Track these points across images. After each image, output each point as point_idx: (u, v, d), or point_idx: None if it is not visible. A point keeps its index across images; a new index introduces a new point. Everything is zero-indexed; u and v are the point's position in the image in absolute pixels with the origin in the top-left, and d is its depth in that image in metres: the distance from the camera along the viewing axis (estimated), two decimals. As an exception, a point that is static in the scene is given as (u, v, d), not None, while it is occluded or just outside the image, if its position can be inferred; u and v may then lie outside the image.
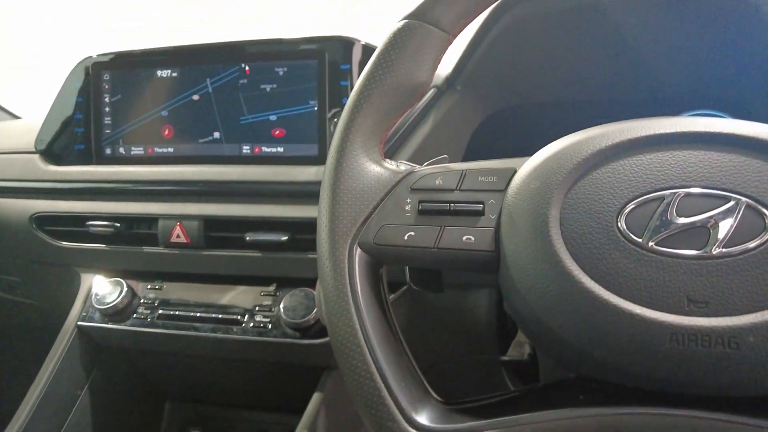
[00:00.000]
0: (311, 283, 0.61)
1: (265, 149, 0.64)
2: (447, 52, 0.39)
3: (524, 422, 0.29)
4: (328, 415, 0.60)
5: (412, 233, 0.34)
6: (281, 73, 0.63)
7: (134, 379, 0.73)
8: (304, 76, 0.62)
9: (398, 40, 0.37)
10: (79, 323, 0.65)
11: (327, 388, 0.61)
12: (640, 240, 0.27)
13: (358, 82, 0.38)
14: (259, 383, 0.72)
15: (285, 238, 0.61)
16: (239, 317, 0.61)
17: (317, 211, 0.37)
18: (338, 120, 0.39)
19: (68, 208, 0.69)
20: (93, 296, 0.65)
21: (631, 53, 0.56)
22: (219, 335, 0.61)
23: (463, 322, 0.64)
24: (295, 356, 0.61)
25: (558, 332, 0.28)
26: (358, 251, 0.35)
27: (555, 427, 0.28)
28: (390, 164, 0.37)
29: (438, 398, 0.34)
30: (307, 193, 0.61)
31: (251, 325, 0.61)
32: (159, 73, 0.67)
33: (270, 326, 0.60)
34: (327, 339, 0.59)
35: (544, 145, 0.33)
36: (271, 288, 0.63)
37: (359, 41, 0.62)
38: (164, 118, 0.67)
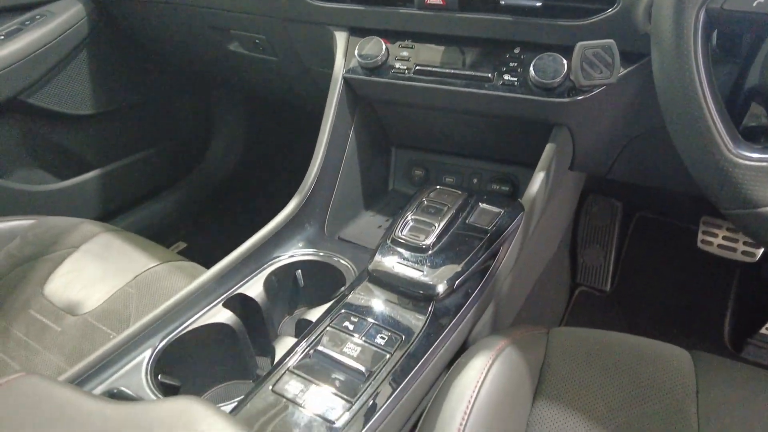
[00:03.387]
0: (557, 49, 0.68)
1: None
2: None
3: None
4: (558, 161, 0.73)
5: (762, 0, 0.39)
6: None
7: (377, 128, 0.89)
8: None
9: None
10: (345, 75, 0.78)
11: (558, 140, 0.73)
12: None
13: None
14: (482, 136, 0.85)
15: (539, 4, 0.65)
16: (489, 75, 0.71)
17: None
18: None
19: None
20: (356, 52, 0.77)
21: None
22: (471, 90, 0.72)
23: None
24: (536, 113, 0.71)
25: None
26: (703, 16, 0.40)
27: None
28: None
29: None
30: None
31: (500, 83, 0.71)
32: None
33: (517, 84, 0.70)
34: (570, 99, 0.68)
35: None
36: (517, 51, 0.71)
37: None
38: None
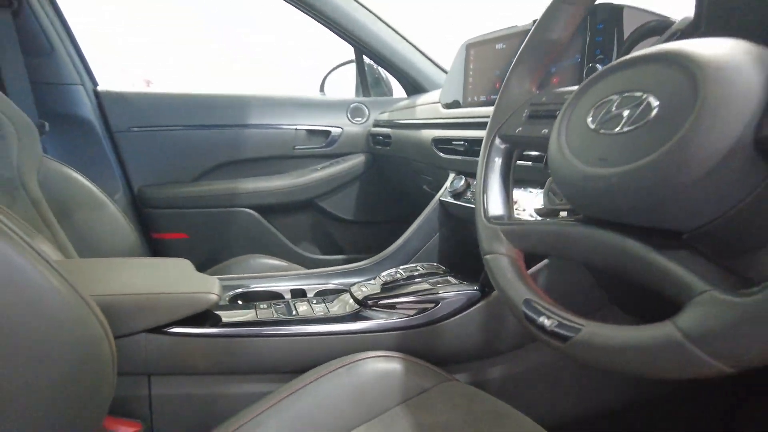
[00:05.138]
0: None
1: (545, 93, 0.93)
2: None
3: (529, 224, 0.55)
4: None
5: (520, 128, 0.61)
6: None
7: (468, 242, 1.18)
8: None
9: (544, 11, 0.62)
10: (440, 198, 1.15)
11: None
12: (593, 126, 0.47)
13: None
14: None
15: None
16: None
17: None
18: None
19: (447, 134, 1.19)
20: (449, 183, 1.14)
21: None
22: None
23: None
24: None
25: (560, 185, 0.51)
26: (498, 138, 0.65)
27: (542, 229, 0.53)
28: (531, 89, 0.64)
29: (513, 219, 0.61)
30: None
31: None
32: (498, 46, 1.05)
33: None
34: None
35: None
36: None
37: (610, 2, 0.80)
38: (498, 77, 1.05)
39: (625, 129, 0.42)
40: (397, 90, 1.97)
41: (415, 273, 0.90)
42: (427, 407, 0.69)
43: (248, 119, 1.75)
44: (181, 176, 1.74)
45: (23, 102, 1.43)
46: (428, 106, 1.34)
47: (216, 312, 0.81)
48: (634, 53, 0.46)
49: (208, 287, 0.78)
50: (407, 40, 1.72)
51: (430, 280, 0.88)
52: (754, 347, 0.31)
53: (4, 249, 0.47)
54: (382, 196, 1.90)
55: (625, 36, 0.80)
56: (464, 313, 0.83)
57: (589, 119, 0.47)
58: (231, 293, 0.96)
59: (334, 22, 1.62)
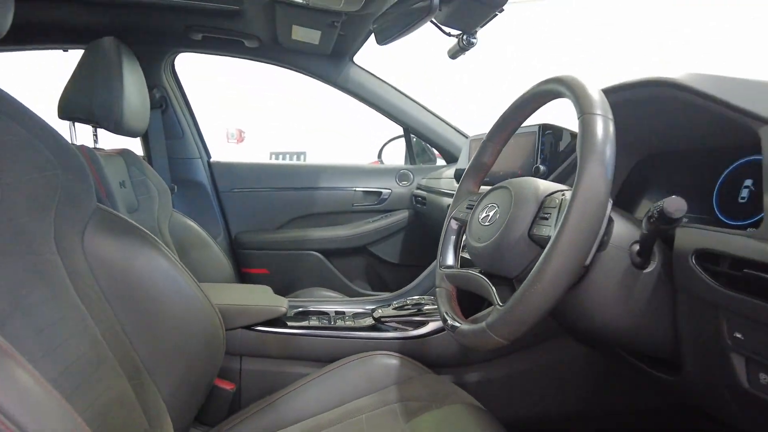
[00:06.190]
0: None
1: (514, 179, 1.31)
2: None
3: (457, 272, 0.94)
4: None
5: (462, 214, 1.02)
6: (522, 141, 1.29)
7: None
8: (529, 143, 1.26)
9: (480, 146, 1.04)
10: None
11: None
12: (480, 220, 0.87)
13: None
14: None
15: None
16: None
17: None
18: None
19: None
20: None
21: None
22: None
23: None
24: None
25: (467, 250, 0.91)
26: (452, 220, 1.05)
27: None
28: (471, 191, 1.04)
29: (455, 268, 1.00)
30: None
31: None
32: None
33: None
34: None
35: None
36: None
37: (552, 124, 1.19)
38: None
39: (487, 223, 0.83)
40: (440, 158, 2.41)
41: (419, 303, 1.30)
42: (410, 387, 1.08)
43: (318, 183, 2.26)
44: (267, 225, 2.27)
45: (162, 172, 2.03)
46: (448, 179, 1.76)
47: (285, 320, 1.26)
48: (499, 183, 0.86)
49: (280, 303, 1.24)
50: (444, 121, 2.17)
51: (426, 308, 1.27)
52: (505, 329, 0.69)
53: (173, 272, 0.94)
54: (421, 244, 2.31)
55: (561, 147, 1.18)
56: (445, 331, 1.21)
57: (479, 215, 0.87)
58: (296, 310, 1.41)
59: (386, 111, 2.12)
